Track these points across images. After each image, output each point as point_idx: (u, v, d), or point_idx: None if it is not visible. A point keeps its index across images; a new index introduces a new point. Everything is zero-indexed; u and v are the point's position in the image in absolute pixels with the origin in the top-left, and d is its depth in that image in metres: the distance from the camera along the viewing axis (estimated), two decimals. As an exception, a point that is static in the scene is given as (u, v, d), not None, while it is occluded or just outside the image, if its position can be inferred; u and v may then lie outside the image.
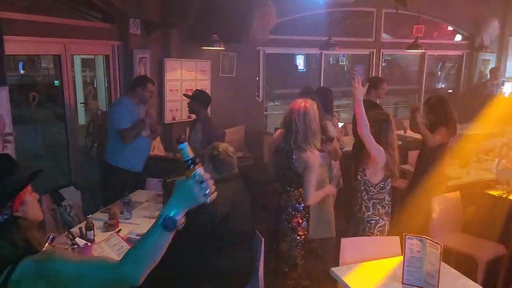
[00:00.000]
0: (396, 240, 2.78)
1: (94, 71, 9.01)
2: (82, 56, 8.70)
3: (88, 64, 9.60)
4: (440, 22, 8.06)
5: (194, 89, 4.36)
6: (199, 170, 1.30)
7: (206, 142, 4.00)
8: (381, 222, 2.99)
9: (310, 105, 2.90)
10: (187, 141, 1.32)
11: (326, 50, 6.02)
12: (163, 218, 1.27)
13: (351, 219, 3.13)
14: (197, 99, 4.09)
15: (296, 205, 2.98)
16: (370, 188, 3.00)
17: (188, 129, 4.45)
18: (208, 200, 1.30)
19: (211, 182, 1.31)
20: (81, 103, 8.13)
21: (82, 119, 8.28)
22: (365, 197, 3.01)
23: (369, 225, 2.99)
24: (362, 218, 3.01)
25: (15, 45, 3.27)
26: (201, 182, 1.29)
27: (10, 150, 3.12)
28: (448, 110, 3.78)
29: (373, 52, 7.22)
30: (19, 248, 1.30)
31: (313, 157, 2.86)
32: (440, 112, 3.76)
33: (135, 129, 3.75)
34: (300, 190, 2.95)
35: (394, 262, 2.57)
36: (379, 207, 3.00)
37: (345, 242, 2.72)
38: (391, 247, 2.74)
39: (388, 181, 3.00)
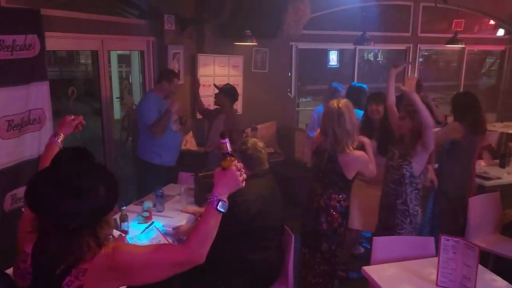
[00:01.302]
0: (431, 241, 2.71)
1: (129, 66, 9.23)
2: (118, 52, 8.93)
3: (124, 60, 9.83)
4: (481, 16, 7.74)
5: (224, 85, 4.39)
6: (236, 161, 1.56)
7: (228, 132, 4.06)
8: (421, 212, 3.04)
9: (343, 105, 2.86)
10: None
11: (361, 45, 5.90)
12: (217, 203, 1.49)
13: (390, 211, 3.06)
14: (226, 93, 4.19)
15: (337, 206, 2.96)
16: (413, 179, 2.96)
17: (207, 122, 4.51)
18: (244, 184, 1.56)
19: (243, 170, 1.56)
20: (116, 97, 8.34)
21: (117, 114, 8.50)
22: (409, 190, 2.97)
23: (414, 218, 2.99)
24: (407, 210, 2.98)
25: (55, 41, 3.39)
26: (239, 170, 1.55)
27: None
28: (467, 105, 3.45)
29: (409, 47, 7.03)
30: (101, 239, 1.40)
31: (353, 157, 2.86)
32: (456, 106, 3.51)
33: (162, 121, 3.79)
34: (342, 193, 2.95)
35: (428, 263, 2.50)
36: (419, 197, 3.01)
37: (377, 240, 2.67)
38: (425, 248, 2.67)
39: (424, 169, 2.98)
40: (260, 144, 2.73)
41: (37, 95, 3.09)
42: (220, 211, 1.49)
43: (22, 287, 1.47)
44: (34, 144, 3.10)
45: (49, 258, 1.39)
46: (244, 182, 1.55)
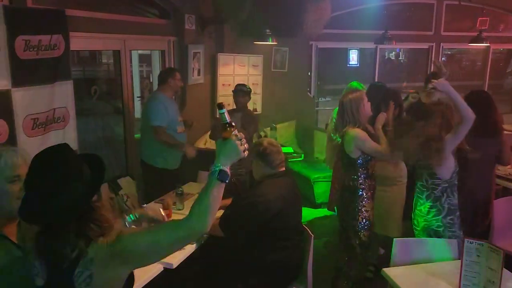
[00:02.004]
0: (453, 243, 2.65)
1: (150, 66, 9.33)
2: (139, 52, 9.04)
3: (145, 59, 9.95)
4: (506, 14, 7.55)
5: (236, 84, 4.41)
6: (236, 130, 1.52)
7: (243, 127, 4.10)
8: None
9: (349, 95, 3.02)
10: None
11: (382, 44, 5.83)
12: (218, 173, 1.44)
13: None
14: (248, 92, 4.28)
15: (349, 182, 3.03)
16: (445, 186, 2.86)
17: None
18: (246, 154, 1.52)
19: (244, 140, 1.52)
20: (137, 97, 8.44)
21: (138, 113, 8.60)
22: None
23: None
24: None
25: (79, 41, 3.45)
26: (240, 140, 1.50)
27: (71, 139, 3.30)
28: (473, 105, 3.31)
29: (432, 46, 6.91)
30: (102, 228, 1.42)
31: (354, 132, 2.92)
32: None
33: (172, 145, 3.79)
34: (351, 172, 2.99)
35: (450, 266, 2.45)
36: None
37: (398, 242, 2.63)
38: (447, 250, 2.62)
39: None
40: (275, 142, 2.78)
41: (61, 94, 3.15)
42: (222, 181, 1.44)
43: (38, 286, 1.50)
44: (58, 142, 3.16)
45: (50, 257, 1.43)
46: (246, 152, 1.50)
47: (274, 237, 2.58)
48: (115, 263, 1.41)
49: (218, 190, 1.45)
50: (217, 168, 1.45)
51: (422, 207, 2.80)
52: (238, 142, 1.49)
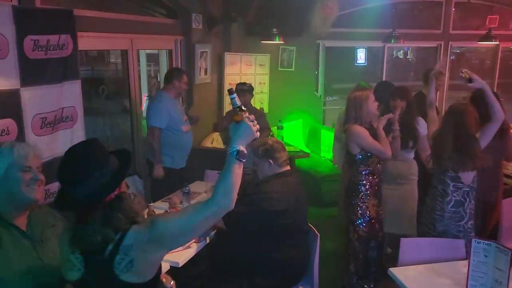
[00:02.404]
0: (460, 243, 2.63)
1: (158, 65, 9.36)
2: (147, 51, 9.08)
3: (152, 59, 9.99)
4: (516, 12, 7.47)
5: (236, 83, 4.42)
6: (247, 113, 1.60)
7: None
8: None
9: (354, 92, 3.07)
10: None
11: (390, 43, 5.80)
12: (237, 153, 1.53)
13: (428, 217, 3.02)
14: (250, 91, 4.29)
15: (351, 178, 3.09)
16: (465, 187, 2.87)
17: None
18: (258, 135, 1.61)
19: (255, 121, 1.60)
20: (147, 96, 8.48)
21: (145, 112, 8.64)
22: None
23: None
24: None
25: (87, 41, 3.47)
26: (252, 121, 1.59)
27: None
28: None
29: (440, 44, 6.85)
30: (129, 218, 1.51)
31: (354, 129, 2.99)
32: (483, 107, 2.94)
33: (153, 152, 3.77)
34: (351, 168, 3.05)
35: (457, 266, 2.44)
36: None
37: (405, 242, 2.62)
38: (455, 250, 2.60)
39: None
40: (279, 140, 2.79)
41: (69, 93, 3.17)
42: (241, 161, 1.53)
43: (69, 280, 1.56)
44: (66, 141, 3.19)
45: (87, 245, 1.49)
46: (258, 132, 1.59)
47: (279, 235, 2.58)
48: (153, 247, 1.50)
49: (239, 167, 1.53)
50: (235, 149, 1.52)
51: (441, 211, 2.78)
52: (250, 123, 1.57)
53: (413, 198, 3.54)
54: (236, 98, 1.61)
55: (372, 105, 3.03)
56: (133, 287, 1.51)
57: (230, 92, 1.63)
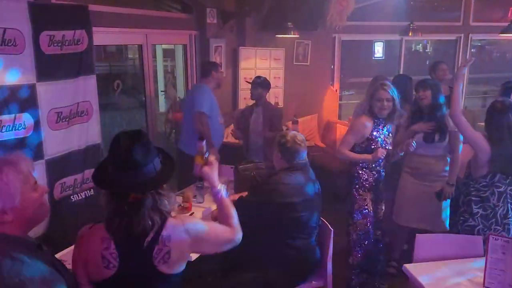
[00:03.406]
0: (478, 240, 2.58)
1: (174, 60, 9.41)
2: (163, 46, 9.14)
3: (169, 54, 10.06)
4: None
5: (254, 77, 4.37)
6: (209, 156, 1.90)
7: (268, 123, 4.09)
8: (471, 222, 2.84)
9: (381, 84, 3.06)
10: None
11: (407, 36, 5.68)
12: (221, 194, 1.83)
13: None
14: (265, 86, 4.22)
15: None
16: (470, 182, 2.83)
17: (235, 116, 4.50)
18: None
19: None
20: (161, 91, 8.55)
21: (162, 107, 8.72)
22: (464, 191, 2.86)
23: (461, 220, 2.90)
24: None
25: (102, 36, 3.50)
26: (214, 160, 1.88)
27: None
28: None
29: (460, 37, 6.69)
30: (145, 221, 1.53)
31: (355, 119, 3.08)
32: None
33: (210, 139, 3.84)
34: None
35: (474, 263, 2.38)
36: (476, 207, 2.82)
37: (420, 238, 2.57)
38: (472, 247, 2.54)
39: (496, 178, 2.75)
40: (300, 137, 2.70)
41: (85, 88, 3.21)
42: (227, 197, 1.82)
43: (101, 278, 1.56)
44: (82, 135, 3.24)
45: (125, 232, 1.52)
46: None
47: (291, 229, 2.57)
48: (187, 242, 1.59)
49: (231, 203, 1.85)
50: (222, 190, 1.81)
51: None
52: (216, 164, 1.84)
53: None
54: (204, 144, 1.89)
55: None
56: (169, 278, 1.59)
57: (201, 138, 1.92)
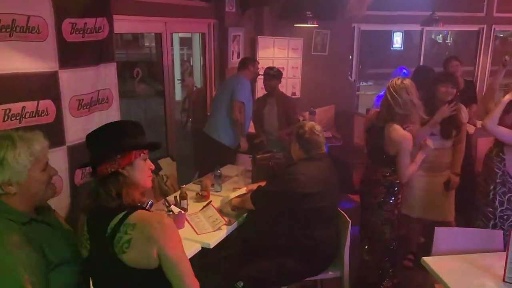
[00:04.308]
0: (499, 234, 2.55)
1: (191, 49, 9.42)
2: (180, 35, 9.15)
3: (185, 42, 10.06)
4: None
5: (266, 68, 4.38)
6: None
7: (283, 114, 4.10)
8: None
9: (407, 82, 2.81)
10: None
11: (429, 26, 5.57)
12: None
13: (474, 211, 2.95)
14: (278, 76, 4.27)
15: (381, 179, 2.94)
16: (509, 180, 2.79)
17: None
18: None
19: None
20: (178, 79, 8.58)
21: (178, 95, 8.75)
22: (500, 191, 2.80)
23: (501, 220, 2.84)
24: (493, 212, 2.84)
25: (122, 24, 3.51)
26: None
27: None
28: None
29: (483, 28, 6.54)
30: (112, 198, 1.52)
31: (400, 136, 2.78)
32: None
33: (238, 127, 4.00)
34: (386, 167, 2.91)
35: (494, 258, 2.36)
36: None
37: (439, 231, 2.55)
38: (492, 241, 2.52)
39: None
40: (318, 127, 2.69)
41: (105, 76, 3.23)
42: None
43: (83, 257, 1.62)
44: (102, 122, 3.22)
45: (92, 213, 1.56)
46: None
47: (308, 219, 2.57)
48: (150, 242, 1.48)
49: None
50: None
51: None
52: None
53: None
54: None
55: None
56: (133, 271, 1.48)
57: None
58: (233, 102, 3.96)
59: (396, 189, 2.96)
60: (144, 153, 1.63)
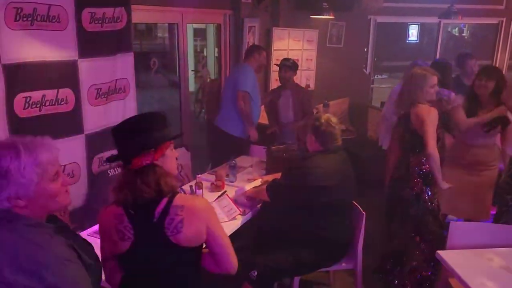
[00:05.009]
0: None
1: (204, 40, 9.42)
2: (194, 25, 9.16)
3: (199, 34, 10.06)
4: None
5: (281, 59, 4.32)
6: None
7: (298, 106, 4.08)
8: None
9: (424, 69, 2.88)
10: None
11: (447, 18, 5.49)
12: None
13: (503, 207, 2.93)
14: (294, 68, 4.20)
15: (416, 169, 2.89)
16: None
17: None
18: None
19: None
20: (192, 70, 8.60)
21: (191, 86, 8.78)
22: None
23: None
24: None
25: (139, 14, 3.53)
26: None
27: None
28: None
29: (502, 21, 6.43)
30: (151, 188, 1.57)
31: (425, 110, 2.80)
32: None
33: (245, 117, 3.96)
34: (420, 155, 2.86)
35: (509, 252, 2.35)
36: None
37: (455, 225, 2.54)
38: (506, 236, 2.50)
39: None
40: (334, 119, 2.69)
41: (123, 66, 3.26)
42: None
43: (121, 251, 1.62)
44: (119, 112, 3.31)
45: (134, 203, 1.58)
46: None
47: (323, 212, 2.58)
48: (201, 218, 1.62)
49: None
50: None
51: None
52: None
53: (491, 185, 3.39)
54: None
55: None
56: (185, 251, 1.60)
57: None
58: (237, 92, 3.93)
59: (431, 177, 2.88)
60: (171, 143, 1.73)
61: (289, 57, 4.36)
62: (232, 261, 1.71)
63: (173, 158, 1.72)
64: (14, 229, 1.31)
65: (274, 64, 4.72)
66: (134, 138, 1.60)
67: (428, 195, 2.91)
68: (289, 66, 4.17)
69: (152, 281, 1.65)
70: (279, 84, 4.39)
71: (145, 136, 1.60)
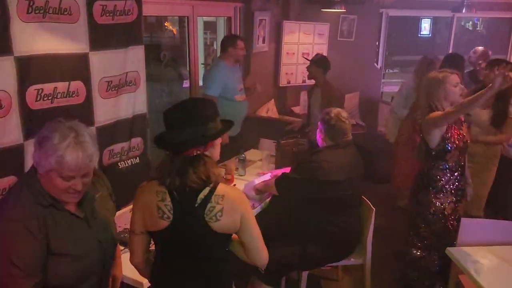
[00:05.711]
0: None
1: (214, 33, 9.38)
2: (204, 19, 9.13)
3: (209, 27, 10.03)
4: None
5: (315, 54, 4.22)
6: None
7: (326, 105, 3.98)
8: None
9: (440, 72, 2.70)
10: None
11: (460, 12, 5.40)
12: None
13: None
14: (319, 64, 3.99)
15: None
16: None
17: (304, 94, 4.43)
18: None
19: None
20: (201, 63, 8.59)
21: (200, 80, 8.76)
22: None
23: None
24: None
25: (150, 7, 3.53)
26: None
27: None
28: None
29: (517, 15, 6.32)
30: (201, 179, 1.59)
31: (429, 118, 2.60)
32: None
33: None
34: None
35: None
36: None
37: (465, 222, 2.52)
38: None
39: None
40: (344, 114, 2.67)
41: (133, 58, 3.26)
42: None
43: (158, 228, 1.64)
44: (129, 104, 3.31)
45: (181, 187, 1.59)
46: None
47: (332, 206, 2.58)
48: (238, 210, 1.63)
49: None
50: None
51: None
52: None
53: (489, 182, 3.37)
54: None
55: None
56: (221, 236, 1.64)
57: None
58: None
59: (456, 171, 2.71)
60: None
61: (321, 53, 4.17)
62: (261, 253, 1.73)
63: (219, 146, 1.73)
64: (21, 186, 1.56)
65: (304, 57, 4.59)
66: (192, 128, 1.60)
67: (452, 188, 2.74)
68: (313, 60, 4.00)
69: (187, 259, 1.69)
70: (289, 78, 4.34)
71: (203, 129, 1.61)
